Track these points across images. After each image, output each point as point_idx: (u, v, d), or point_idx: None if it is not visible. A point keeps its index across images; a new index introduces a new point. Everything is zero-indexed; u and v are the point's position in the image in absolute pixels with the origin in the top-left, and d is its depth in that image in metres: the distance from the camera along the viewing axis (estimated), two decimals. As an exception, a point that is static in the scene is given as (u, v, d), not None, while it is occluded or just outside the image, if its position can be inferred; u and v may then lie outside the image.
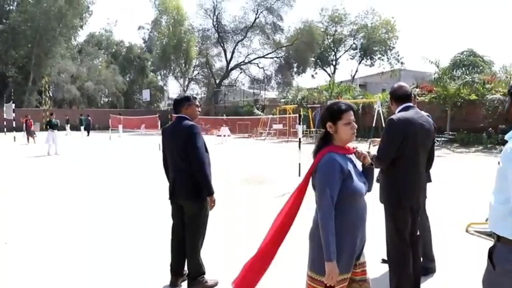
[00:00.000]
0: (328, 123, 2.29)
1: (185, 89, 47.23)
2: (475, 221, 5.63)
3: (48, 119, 18.50)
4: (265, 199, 7.81)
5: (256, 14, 47.60)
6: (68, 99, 48.06)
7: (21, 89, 43.56)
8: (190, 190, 3.60)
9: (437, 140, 19.93)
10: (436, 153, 13.81)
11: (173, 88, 66.62)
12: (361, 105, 26.56)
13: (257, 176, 10.54)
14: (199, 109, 3.94)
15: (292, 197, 2.41)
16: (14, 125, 26.34)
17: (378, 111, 21.18)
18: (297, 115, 9.89)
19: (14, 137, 25.41)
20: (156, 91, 56.06)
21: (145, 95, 47.22)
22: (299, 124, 9.32)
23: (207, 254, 4.09)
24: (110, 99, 54.58)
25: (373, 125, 21.25)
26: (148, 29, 54.62)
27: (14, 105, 27.15)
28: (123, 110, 46.95)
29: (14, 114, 26.22)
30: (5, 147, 21.73)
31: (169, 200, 3.80)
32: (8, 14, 42.55)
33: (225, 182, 9.53)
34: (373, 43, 50.79)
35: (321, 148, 2.30)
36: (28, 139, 24.02)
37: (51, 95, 49.51)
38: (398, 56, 51.59)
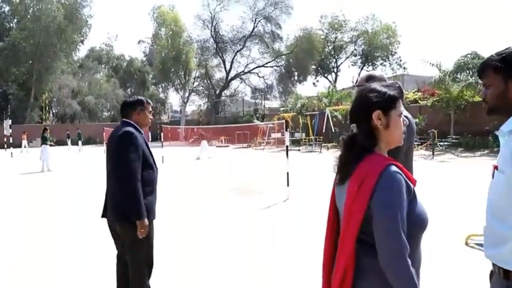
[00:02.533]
0: (376, 111, 1.51)
1: (186, 100, 47.01)
2: (475, 232, 5.03)
3: (43, 135, 18.02)
4: (251, 212, 7.26)
5: (254, 23, 47.54)
6: (69, 114, 48.05)
7: (23, 105, 43.68)
8: (119, 211, 2.98)
9: (440, 145, 19.26)
10: (440, 158, 13.19)
11: (174, 100, 66.53)
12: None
13: (245, 187, 10.01)
14: (151, 116, 3.38)
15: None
16: (11, 141, 26.22)
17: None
18: (284, 122, 9.30)
19: (11, 153, 25.22)
20: (157, 104, 55.94)
21: (145, 107, 46.90)
22: (286, 131, 8.75)
23: (175, 275, 3.53)
24: (111, 113, 54.55)
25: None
26: (148, 43, 54.83)
27: (10, 121, 27.00)
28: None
29: (10, 130, 26.12)
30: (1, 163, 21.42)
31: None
32: (8, 32, 42.79)
33: (210, 194, 9.01)
34: (374, 49, 50.44)
35: (363, 154, 1.52)
36: None
37: (52, 110, 49.60)
38: (400, 61, 51.19)
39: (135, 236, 2.88)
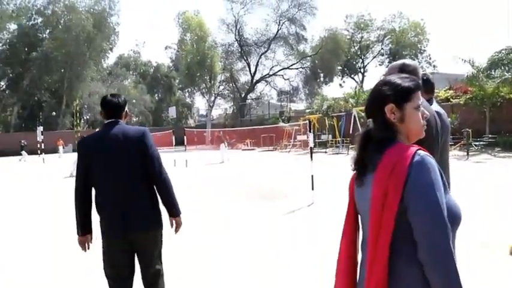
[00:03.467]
0: (389, 105, 1.43)
1: (211, 104, 47.19)
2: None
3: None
4: (274, 216, 7.00)
5: (278, 25, 47.21)
6: (99, 120, 49.06)
7: (56, 112, 45.00)
8: (149, 217, 2.83)
9: (476, 145, 18.39)
10: (475, 158, 12.49)
11: (201, 104, 67.00)
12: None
13: (269, 190, 9.74)
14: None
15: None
16: (43, 147, 27.01)
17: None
18: (308, 124, 8.97)
19: (43, 159, 25.94)
20: (184, 108, 56.51)
21: (172, 112, 47.57)
22: (310, 132, 8.42)
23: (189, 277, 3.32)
24: (139, 118, 55.49)
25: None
26: (175, 49, 55.50)
27: (42, 128, 27.95)
28: (152, 128, 47.37)
29: (42, 137, 26.99)
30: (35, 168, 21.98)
31: (110, 240, 2.79)
32: (41, 42, 44.21)
33: (233, 197, 8.80)
34: (402, 47, 49.38)
35: (383, 147, 1.39)
36: None
37: (83, 116, 50.91)
38: (430, 59, 49.84)
39: (161, 243, 2.91)
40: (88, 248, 2.83)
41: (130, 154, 2.75)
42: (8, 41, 45.18)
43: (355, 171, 1.53)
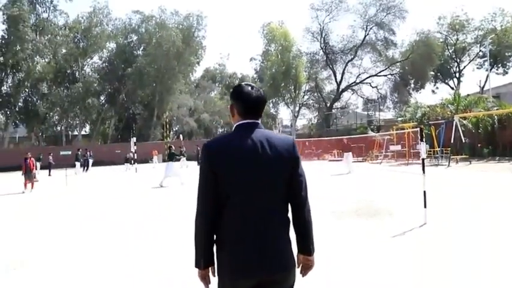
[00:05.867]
0: None
1: (296, 114, 46.71)
2: None
3: (168, 151, 18.60)
4: (379, 238, 6.06)
5: (365, 31, 45.49)
6: (187, 131, 51.11)
7: (148, 124, 47.81)
8: (290, 251, 2.12)
9: None
10: None
11: (284, 115, 66.95)
12: (496, 117, 22.57)
13: (369, 207, 8.73)
14: None
15: None
16: (135, 157, 28.36)
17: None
18: (418, 131, 7.86)
19: (136, 169, 27.19)
20: (267, 119, 56.73)
21: (257, 123, 47.86)
22: (421, 141, 7.31)
23: None
24: (225, 129, 56.82)
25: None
26: (259, 60, 56.18)
27: (135, 139, 29.38)
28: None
29: (135, 147, 28.30)
30: (127, 177, 23.07)
31: (237, 281, 2.03)
32: (135, 58, 47.34)
33: (331, 215, 7.96)
34: (504, 48, 44.82)
35: None
36: (25, 184, 16.42)
37: (172, 128, 53.43)
38: (538, 60, 44.51)
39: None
40: (209, 283, 2.16)
41: (276, 170, 2.04)
42: (107, 58, 49.15)
43: None
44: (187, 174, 17.37)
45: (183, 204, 10.42)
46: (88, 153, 31.71)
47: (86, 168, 30.11)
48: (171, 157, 17.16)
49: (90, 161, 31.79)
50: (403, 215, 7.59)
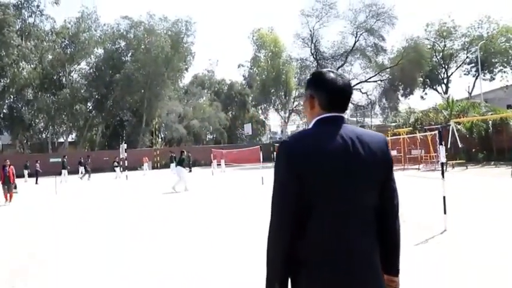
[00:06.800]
0: None
1: (286, 120, 46.55)
2: None
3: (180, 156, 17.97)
4: (402, 246, 5.75)
5: (355, 37, 45.69)
6: (176, 137, 50.47)
7: (136, 131, 47.02)
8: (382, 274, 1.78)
9: None
10: None
11: (273, 121, 66.74)
12: (491, 122, 22.67)
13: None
14: None
15: None
16: (126, 164, 27.67)
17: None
18: (439, 135, 7.58)
19: (126, 176, 26.56)
20: (257, 125, 56.50)
21: (247, 129, 47.63)
22: (440, 144, 7.08)
23: None
24: (214, 135, 56.30)
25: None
26: (248, 66, 56.04)
27: (125, 145, 28.71)
28: (227, 145, 47.65)
29: (126, 154, 27.59)
30: (118, 185, 22.49)
31: None
32: (123, 65, 46.65)
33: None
34: (491, 54, 45.53)
35: None
36: (6, 196, 14.60)
37: (161, 134, 52.73)
38: (525, 65, 45.35)
39: None
40: None
41: (370, 174, 1.68)
42: (94, 64, 48.35)
43: None
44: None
45: (183, 210, 10.02)
46: (88, 160, 30.88)
47: (88, 175, 29.14)
48: (181, 162, 16.94)
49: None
50: (420, 221, 7.32)
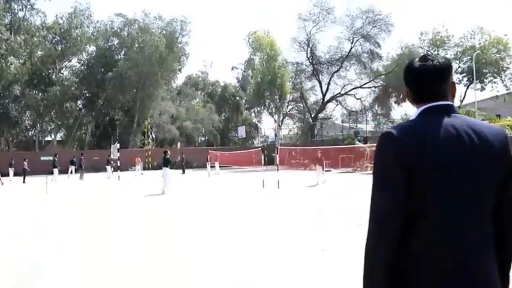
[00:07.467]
0: None
1: (280, 124, 46.28)
2: None
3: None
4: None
5: (352, 43, 45.70)
6: (168, 138, 49.80)
7: (128, 131, 46.17)
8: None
9: None
10: None
11: (267, 124, 66.53)
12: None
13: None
14: None
15: None
16: (119, 164, 26.96)
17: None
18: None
19: (119, 176, 25.89)
20: (250, 128, 56.13)
21: (241, 131, 47.15)
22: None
23: None
24: (206, 137, 55.77)
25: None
26: (241, 69, 55.71)
27: (118, 145, 28.03)
28: (220, 147, 47.08)
29: (118, 154, 26.93)
30: (111, 185, 21.88)
31: None
32: (116, 63, 45.86)
33: (332, 229, 7.26)
34: (483, 65, 46.00)
35: None
36: None
37: (152, 135, 51.94)
38: (514, 77, 46.10)
39: None
40: None
41: (489, 174, 1.38)
42: (86, 62, 47.43)
43: None
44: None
45: (184, 210, 9.60)
46: (83, 159, 29.84)
47: (81, 174, 28.13)
48: (166, 163, 16.32)
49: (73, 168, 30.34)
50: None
